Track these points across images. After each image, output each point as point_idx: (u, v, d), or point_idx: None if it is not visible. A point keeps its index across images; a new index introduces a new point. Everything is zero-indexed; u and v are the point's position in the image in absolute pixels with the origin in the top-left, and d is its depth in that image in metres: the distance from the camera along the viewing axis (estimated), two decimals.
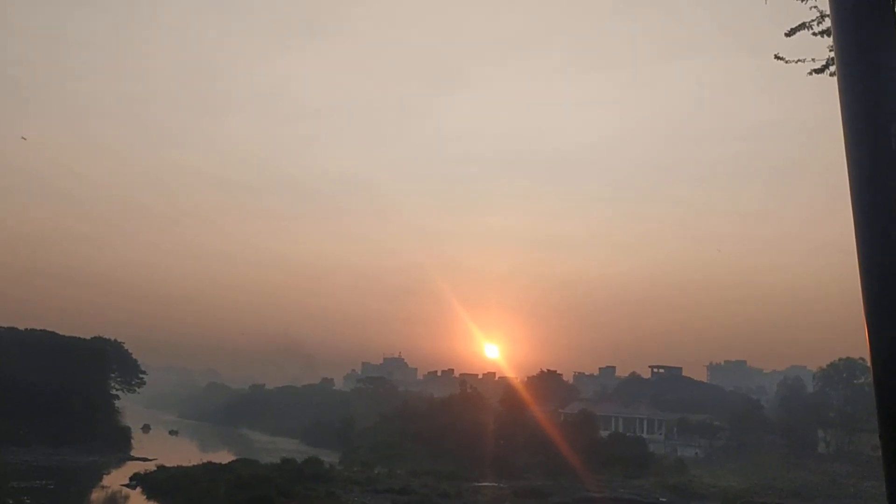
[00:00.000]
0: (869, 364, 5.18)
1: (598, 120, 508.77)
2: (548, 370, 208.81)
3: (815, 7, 11.11)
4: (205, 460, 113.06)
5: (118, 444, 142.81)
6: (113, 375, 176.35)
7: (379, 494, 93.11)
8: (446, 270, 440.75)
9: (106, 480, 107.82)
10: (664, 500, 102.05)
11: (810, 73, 11.78)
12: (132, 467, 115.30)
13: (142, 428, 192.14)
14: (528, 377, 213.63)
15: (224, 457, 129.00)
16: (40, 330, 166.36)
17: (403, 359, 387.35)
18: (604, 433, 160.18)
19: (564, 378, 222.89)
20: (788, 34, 11.49)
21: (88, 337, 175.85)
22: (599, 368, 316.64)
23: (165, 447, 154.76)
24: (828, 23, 10.17)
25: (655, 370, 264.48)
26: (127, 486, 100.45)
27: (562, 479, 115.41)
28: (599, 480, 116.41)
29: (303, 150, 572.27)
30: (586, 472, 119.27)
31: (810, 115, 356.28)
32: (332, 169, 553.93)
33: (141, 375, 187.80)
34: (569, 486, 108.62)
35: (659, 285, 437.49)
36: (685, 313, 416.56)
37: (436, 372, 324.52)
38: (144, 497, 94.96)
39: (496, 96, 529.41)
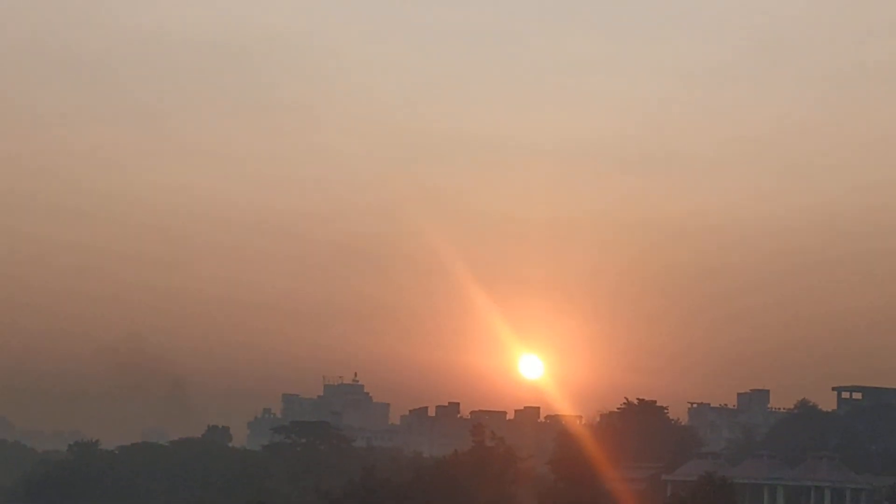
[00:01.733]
0: None
1: None
2: (640, 401, 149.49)
3: None
4: None
5: None
6: None
7: None
8: (445, 216, 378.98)
9: None
10: None
11: None
12: None
13: None
14: (604, 415, 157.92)
15: None
16: None
17: (362, 385, 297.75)
18: None
19: (672, 415, 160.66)
20: None
21: None
22: (738, 395, 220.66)
23: None
24: None
25: (845, 395, 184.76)
26: None
27: None
28: None
29: None
30: None
31: None
32: None
33: None
34: None
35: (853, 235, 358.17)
36: None
37: (424, 409, 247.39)
38: None
39: None
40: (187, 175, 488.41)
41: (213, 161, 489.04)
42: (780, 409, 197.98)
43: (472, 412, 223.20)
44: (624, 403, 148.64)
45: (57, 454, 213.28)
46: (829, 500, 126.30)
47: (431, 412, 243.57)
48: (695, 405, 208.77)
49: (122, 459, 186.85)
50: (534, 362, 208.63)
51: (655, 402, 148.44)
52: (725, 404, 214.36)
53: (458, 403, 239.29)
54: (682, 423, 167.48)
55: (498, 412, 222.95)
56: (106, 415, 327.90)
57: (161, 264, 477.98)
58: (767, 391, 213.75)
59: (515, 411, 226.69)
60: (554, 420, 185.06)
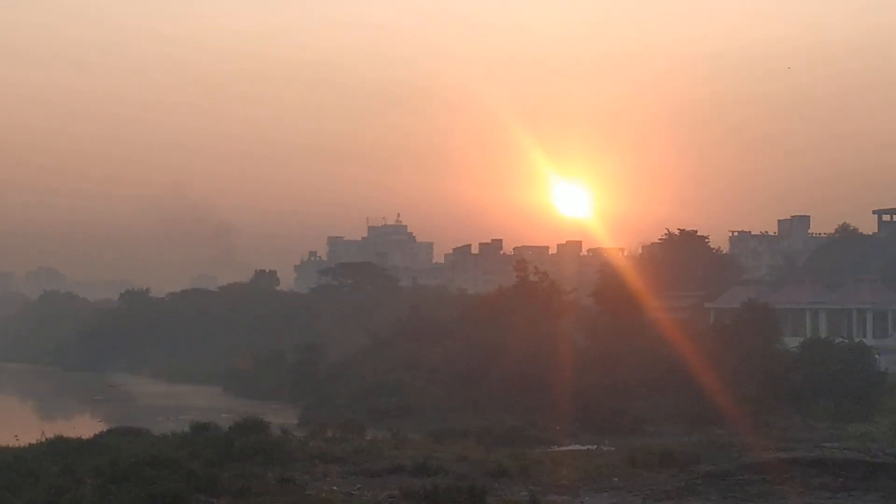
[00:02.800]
0: None
1: None
2: (682, 231, 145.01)
3: None
4: (50, 434, 62.40)
5: None
6: None
7: (376, 478, 52.99)
8: (482, 50, 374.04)
9: None
10: None
11: None
12: None
13: None
14: (646, 246, 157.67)
15: (86, 426, 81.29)
16: None
17: (405, 225, 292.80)
18: (791, 341, 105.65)
19: (713, 244, 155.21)
20: None
21: None
22: (779, 222, 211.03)
23: None
24: None
25: (886, 218, 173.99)
26: None
27: (712, 432, 74.53)
28: (784, 429, 75.50)
29: None
30: (758, 414, 77.91)
31: None
32: None
33: None
34: (726, 444, 66.65)
35: None
36: None
37: (468, 247, 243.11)
38: None
39: None
40: (223, 21, 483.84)
41: (251, 6, 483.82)
42: (820, 234, 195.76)
43: (514, 248, 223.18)
44: (665, 234, 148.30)
45: (109, 303, 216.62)
46: (871, 321, 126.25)
47: (475, 249, 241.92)
48: (736, 233, 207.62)
49: (173, 306, 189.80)
50: (575, 196, 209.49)
51: (696, 231, 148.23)
52: (766, 231, 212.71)
53: (500, 240, 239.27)
54: (724, 252, 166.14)
55: (540, 247, 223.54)
56: (155, 264, 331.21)
57: (200, 111, 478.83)
58: (808, 217, 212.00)
59: (558, 245, 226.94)
60: (596, 253, 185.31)
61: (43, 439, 60.75)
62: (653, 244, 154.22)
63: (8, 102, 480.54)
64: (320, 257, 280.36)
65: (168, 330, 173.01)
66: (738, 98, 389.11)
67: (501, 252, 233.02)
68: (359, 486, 51.90)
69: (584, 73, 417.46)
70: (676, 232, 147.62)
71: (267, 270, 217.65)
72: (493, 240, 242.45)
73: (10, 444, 61.61)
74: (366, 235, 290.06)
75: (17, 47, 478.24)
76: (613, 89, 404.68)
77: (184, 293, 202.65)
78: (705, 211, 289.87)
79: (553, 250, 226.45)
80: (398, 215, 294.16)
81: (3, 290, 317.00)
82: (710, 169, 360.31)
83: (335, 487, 51.26)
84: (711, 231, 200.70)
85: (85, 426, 79.74)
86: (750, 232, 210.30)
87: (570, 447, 70.40)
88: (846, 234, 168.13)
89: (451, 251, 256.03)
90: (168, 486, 45.19)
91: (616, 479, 54.42)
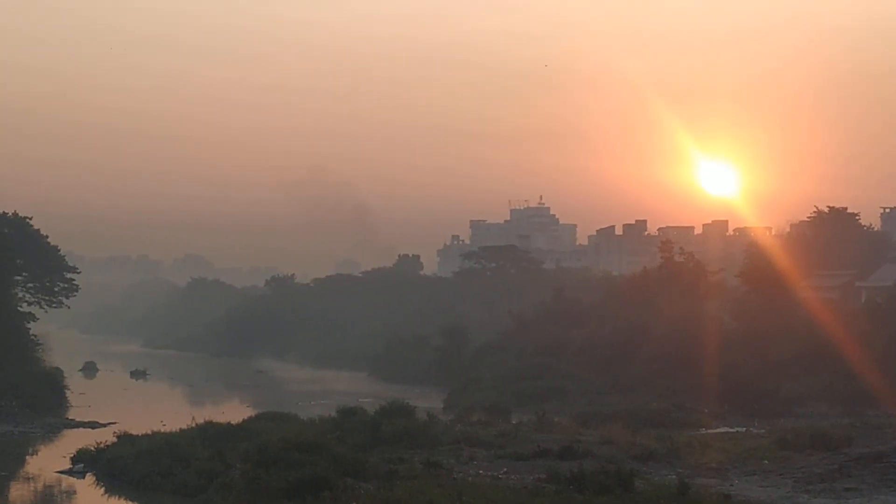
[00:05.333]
0: None
1: None
2: (831, 209, 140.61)
3: None
4: (200, 420, 62.45)
5: (43, 400, 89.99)
6: (20, 278, 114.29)
7: (522, 462, 53.04)
8: (622, 27, 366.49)
9: (30, 464, 65.46)
10: None
11: None
12: (72, 438, 71.04)
13: (82, 369, 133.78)
14: (793, 225, 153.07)
15: (235, 411, 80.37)
16: None
17: (548, 207, 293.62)
18: None
19: (864, 221, 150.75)
20: None
21: None
22: None
23: (127, 401, 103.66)
24: None
25: None
26: (68, 472, 59.08)
27: (865, 413, 73.49)
28: None
29: None
30: None
31: None
32: None
33: (70, 276, 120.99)
34: (880, 425, 65.26)
35: None
36: None
37: (612, 228, 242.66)
38: (101, 488, 55.77)
39: None
40: (362, 4, 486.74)
41: None
42: None
43: (659, 229, 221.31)
44: (814, 212, 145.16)
45: (255, 290, 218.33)
46: None
47: (618, 231, 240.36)
48: (888, 210, 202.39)
49: (318, 292, 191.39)
50: (721, 175, 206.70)
51: (846, 208, 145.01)
52: None
53: (644, 220, 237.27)
54: (875, 229, 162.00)
55: (685, 227, 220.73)
56: (298, 250, 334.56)
57: (339, 95, 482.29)
58: None
59: (703, 225, 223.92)
60: (742, 232, 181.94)
61: (193, 424, 61.38)
62: (801, 222, 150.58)
63: (157, 93, 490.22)
64: (463, 241, 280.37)
65: (313, 315, 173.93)
66: (886, 69, 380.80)
67: (646, 233, 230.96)
68: (505, 469, 51.81)
69: (728, 47, 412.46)
70: (825, 209, 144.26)
71: (410, 255, 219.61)
72: (637, 221, 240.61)
73: (159, 430, 62.94)
74: (508, 218, 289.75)
75: (167, 37, 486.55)
76: (758, 63, 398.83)
77: (328, 279, 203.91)
78: (855, 187, 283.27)
79: (698, 230, 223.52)
80: (541, 197, 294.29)
81: (152, 278, 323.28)
82: (860, 144, 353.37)
83: (481, 471, 51.24)
84: (862, 208, 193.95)
85: (234, 411, 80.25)
86: None
87: (719, 429, 69.73)
88: None
89: (594, 233, 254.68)
90: (315, 470, 45.56)
91: (766, 462, 53.54)
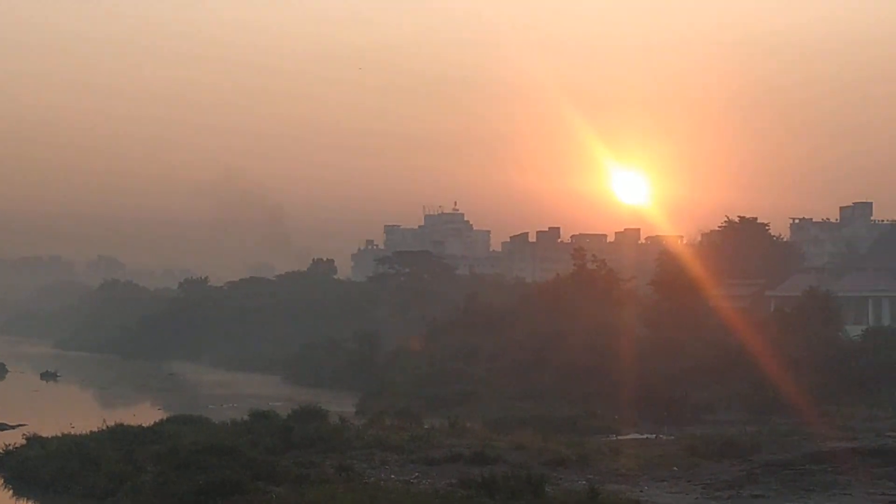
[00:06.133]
0: None
1: None
2: (742, 218, 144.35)
3: None
4: (110, 422, 61.95)
5: None
6: None
7: (433, 467, 53.03)
8: (540, 37, 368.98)
9: None
10: None
11: None
12: None
13: None
14: (705, 234, 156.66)
15: (146, 414, 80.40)
16: None
17: (462, 214, 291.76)
18: (853, 329, 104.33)
19: (774, 231, 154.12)
20: None
21: None
22: (841, 209, 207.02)
23: (37, 402, 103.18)
24: None
25: None
26: None
27: (774, 421, 72.88)
28: (846, 418, 73.31)
29: None
30: (820, 403, 76.14)
31: None
32: None
33: None
34: (787, 433, 65.93)
35: None
36: None
37: (525, 235, 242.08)
38: (9, 490, 54.60)
39: None
40: (280, 5, 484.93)
41: None
42: (883, 220, 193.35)
43: (572, 236, 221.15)
44: (725, 221, 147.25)
45: (168, 292, 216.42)
46: None
47: (532, 238, 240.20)
48: (797, 220, 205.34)
49: (231, 294, 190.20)
50: (633, 184, 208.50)
51: (756, 218, 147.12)
52: (828, 218, 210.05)
53: (558, 228, 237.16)
54: (784, 239, 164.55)
55: (598, 235, 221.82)
56: (212, 252, 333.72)
57: (255, 96, 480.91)
58: (870, 203, 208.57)
59: (616, 233, 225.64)
60: (654, 241, 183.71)
61: (104, 427, 60.93)
62: (712, 231, 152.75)
63: (65, 90, 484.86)
64: (377, 246, 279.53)
65: (226, 318, 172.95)
66: (796, 80, 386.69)
67: (559, 240, 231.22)
68: (417, 474, 51.82)
69: (642, 57, 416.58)
70: (736, 219, 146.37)
71: (324, 259, 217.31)
72: (550, 228, 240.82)
73: (69, 432, 62.26)
74: (422, 224, 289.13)
75: (78, 34, 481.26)
76: (670, 73, 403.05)
77: (242, 282, 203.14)
78: (765, 197, 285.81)
79: (611, 238, 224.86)
80: (455, 203, 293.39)
81: (64, 279, 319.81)
82: (770, 154, 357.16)
83: (393, 476, 51.14)
84: (772, 218, 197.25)
85: (145, 414, 79.85)
86: (811, 219, 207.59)
87: (630, 436, 69.77)
88: None
89: (508, 239, 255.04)
90: (227, 473, 45.34)
91: (676, 469, 53.98)
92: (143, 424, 63.07)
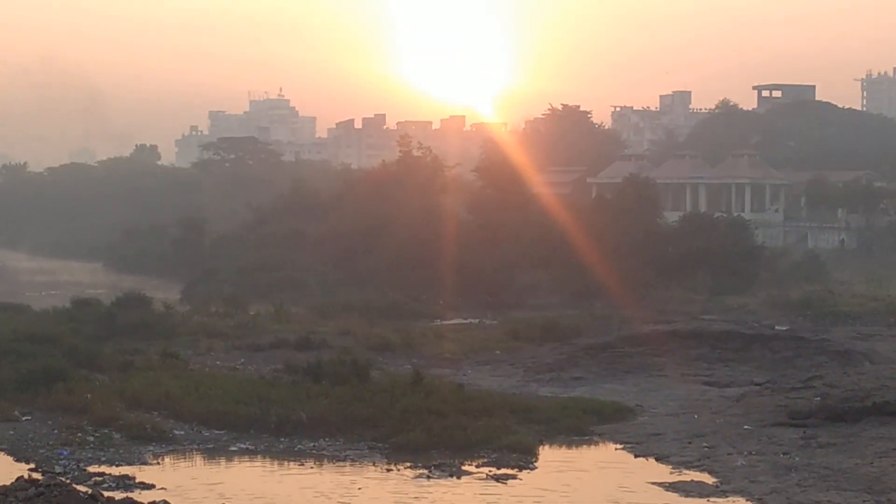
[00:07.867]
0: None
1: None
2: (565, 106, 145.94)
3: None
4: None
5: None
6: None
7: (259, 353, 53.63)
8: None
9: None
10: (783, 327, 61.97)
11: None
12: None
13: None
14: (529, 122, 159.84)
15: None
16: None
17: (288, 100, 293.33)
18: (672, 215, 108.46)
19: (596, 119, 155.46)
20: None
21: None
22: (661, 98, 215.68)
23: None
24: None
25: (765, 94, 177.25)
26: None
27: (594, 306, 74.80)
28: (663, 302, 76.46)
29: None
30: (639, 288, 78.33)
31: None
32: None
33: None
34: (606, 317, 68.35)
35: None
36: None
37: (351, 122, 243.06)
38: None
39: None
40: None
41: None
42: (701, 109, 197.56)
43: (398, 123, 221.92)
44: (548, 109, 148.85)
45: None
46: (749, 196, 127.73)
47: (358, 124, 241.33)
48: (618, 108, 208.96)
49: (52, 181, 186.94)
50: (458, 71, 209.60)
51: (579, 106, 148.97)
52: (648, 107, 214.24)
53: (384, 115, 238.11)
54: (606, 127, 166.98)
55: (424, 122, 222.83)
56: (31, 137, 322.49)
57: None
58: (689, 92, 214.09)
59: (441, 121, 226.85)
60: (479, 128, 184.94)
61: None
62: (536, 119, 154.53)
63: None
64: (202, 132, 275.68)
65: (47, 205, 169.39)
66: None
67: (385, 127, 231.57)
68: (242, 360, 52.19)
69: None
70: (559, 107, 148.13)
71: (147, 145, 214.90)
72: (376, 114, 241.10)
73: None
74: (248, 110, 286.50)
75: None
76: None
77: (63, 168, 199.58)
78: (588, 86, 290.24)
79: (437, 125, 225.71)
80: (280, 89, 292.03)
81: None
82: (593, 44, 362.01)
83: (219, 362, 51.43)
84: (594, 106, 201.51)
85: None
86: (632, 107, 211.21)
87: (454, 321, 70.61)
88: (726, 109, 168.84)
89: (334, 125, 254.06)
90: (50, 361, 44.84)
91: (498, 353, 55.17)
92: None
